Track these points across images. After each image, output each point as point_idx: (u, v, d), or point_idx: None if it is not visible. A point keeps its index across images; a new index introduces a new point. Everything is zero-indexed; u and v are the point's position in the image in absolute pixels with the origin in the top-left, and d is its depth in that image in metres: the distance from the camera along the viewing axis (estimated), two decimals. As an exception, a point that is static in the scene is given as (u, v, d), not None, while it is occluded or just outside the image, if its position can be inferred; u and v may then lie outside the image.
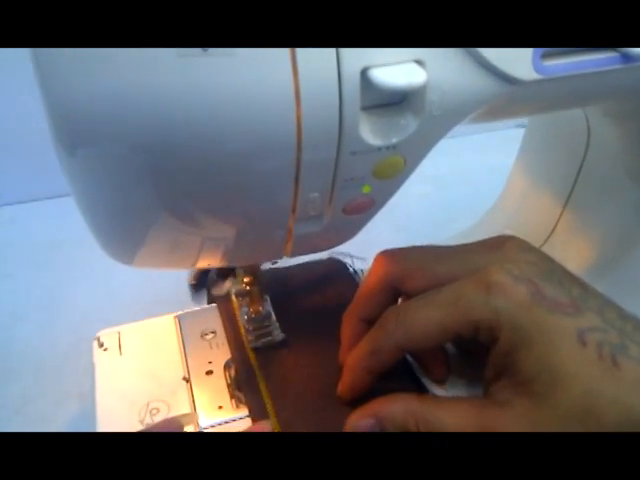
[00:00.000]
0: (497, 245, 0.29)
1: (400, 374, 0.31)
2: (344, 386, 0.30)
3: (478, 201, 0.49)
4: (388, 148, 0.22)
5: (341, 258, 0.40)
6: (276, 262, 0.46)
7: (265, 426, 0.28)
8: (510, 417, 0.25)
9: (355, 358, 0.29)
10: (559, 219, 0.39)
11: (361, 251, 0.40)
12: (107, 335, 0.34)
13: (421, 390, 0.31)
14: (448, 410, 0.26)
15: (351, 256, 0.38)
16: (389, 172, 0.24)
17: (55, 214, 0.56)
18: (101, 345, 0.34)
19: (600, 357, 0.23)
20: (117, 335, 0.34)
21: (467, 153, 0.68)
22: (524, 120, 0.74)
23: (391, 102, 0.22)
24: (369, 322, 0.30)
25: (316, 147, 0.22)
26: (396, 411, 0.27)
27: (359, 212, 0.26)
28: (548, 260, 0.28)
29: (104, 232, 0.26)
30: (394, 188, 0.26)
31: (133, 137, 0.20)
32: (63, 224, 0.55)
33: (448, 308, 0.26)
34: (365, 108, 0.21)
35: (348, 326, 0.32)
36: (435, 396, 0.28)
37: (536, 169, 0.42)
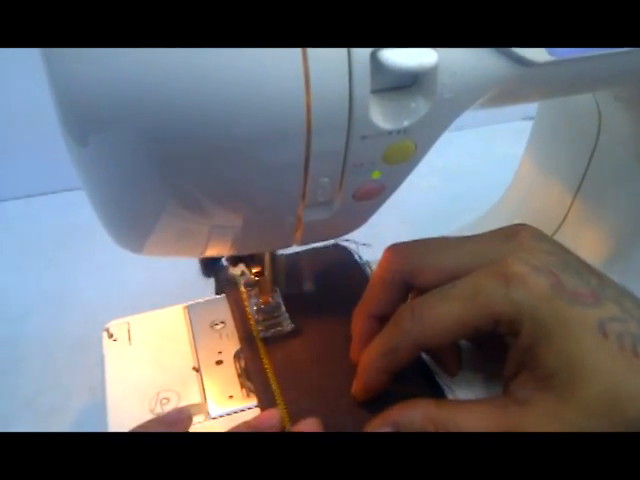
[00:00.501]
0: (511, 234, 0.28)
1: (414, 371, 0.30)
2: (359, 386, 0.29)
3: (486, 193, 0.48)
4: (399, 132, 0.22)
5: (346, 245, 0.39)
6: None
7: (273, 413, 0.28)
8: (533, 415, 0.24)
9: (370, 358, 0.28)
10: (570, 208, 0.39)
11: (369, 245, 0.39)
12: (116, 326, 0.34)
13: (435, 387, 0.31)
14: (468, 413, 0.25)
15: (356, 242, 0.38)
16: (399, 157, 0.24)
17: (63, 208, 0.57)
18: (111, 336, 0.34)
19: (621, 348, 0.23)
20: (126, 326, 0.34)
21: (474, 145, 0.68)
22: (531, 112, 0.74)
23: (402, 85, 0.22)
24: (380, 318, 0.30)
25: (326, 131, 0.21)
26: (415, 418, 0.26)
27: (369, 198, 0.26)
28: (563, 249, 0.27)
29: (114, 221, 0.26)
30: (404, 173, 0.25)
31: (141, 123, 0.20)
32: (71, 218, 0.55)
33: (467, 302, 0.25)
34: (375, 91, 0.21)
35: (359, 323, 0.31)
36: (453, 400, 0.27)
37: (546, 158, 0.42)
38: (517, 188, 0.45)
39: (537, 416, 0.24)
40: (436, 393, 0.30)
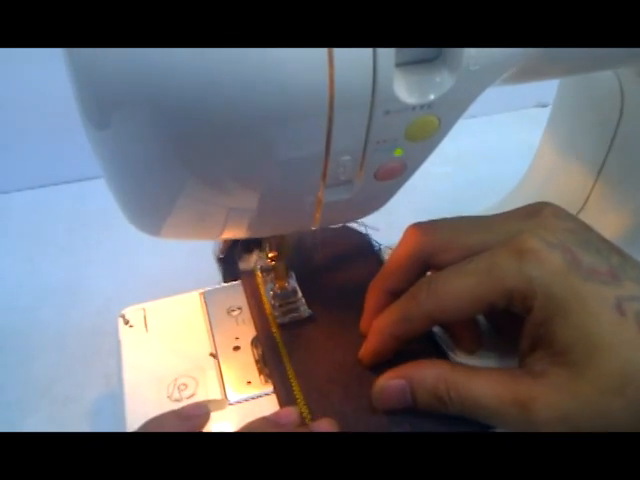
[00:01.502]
0: (533, 212, 0.28)
1: (424, 345, 0.31)
2: (367, 349, 0.30)
3: (500, 180, 0.48)
4: (422, 107, 0.22)
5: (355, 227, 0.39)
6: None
7: (292, 410, 0.27)
8: (547, 388, 0.24)
9: (383, 323, 0.29)
10: (591, 192, 0.38)
11: (382, 233, 0.39)
12: (132, 312, 0.34)
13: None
14: (482, 379, 0.25)
15: (365, 226, 0.38)
16: (422, 133, 0.23)
17: (75, 197, 0.57)
18: (126, 322, 0.34)
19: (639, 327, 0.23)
20: (142, 312, 0.34)
21: (487, 133, 0.67)
22: (545, 99, 0.73)
23: (426, 58, 0.21)
24: (395, 295, 0.30)
25: (349, 106, 0.21)
26: (428, 375, 0.26)
27: (391, 177, 0.25)
28: (586, 228, 0.27)
29: (132, 204, 0.26)
30: (426, 151, 0.25)
31: (159, 104, 0.20)
32: (83, 207, 0.55)
33: (481, 277, 0.26)
34: (400, 65, 0.21)
35: (373, 296, 0.31)
36: (468, 365, 0.27)
37: (565, 142, 0.41)
38: (535, 173, 0.44)
39: (550, 388, 0.24)
40: None
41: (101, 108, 0.20)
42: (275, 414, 0.27)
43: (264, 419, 0.26)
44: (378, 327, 0.29)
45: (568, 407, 0.23)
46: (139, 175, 0.23)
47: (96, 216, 0.52)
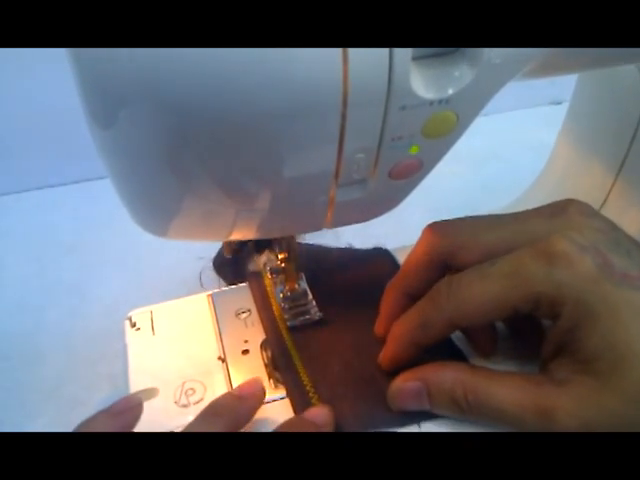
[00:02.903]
0: (558, 210, 0.26)
1: (442, 347, 0.29)
2: (386, 356, 0.29)
3: (515, 180, 0.47)
4: (440, 102, 0.21)
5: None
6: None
7: (323, 409, 0.27)
8: (570, 397, 0.23)
9: (402, 329, 0.28)
10: (610, 190, 0.37)
11: (393, 235, 0.38)
12: (139, 315, 0.33)
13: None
14: (501, 384, 0.24)
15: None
16: (440, 130, 0.22)
17: (82, 198, 0.56)
18: (133, 325, 0.33)
19: None
20: (149, 315, 0.33)
21: (501, 131, 0.66)
22: (560, 96, 0.72)
23: (445, 51, 0.21)
24: (412, 297, 0.29)
25: (363, 102, 0.20)
26: (446, 378, 0.25)
27: (405, 176, 0.24)
28: (613, 227, 0.26)
29: (138, 204, 0.25)
30: (443, 149, 0.24)
31: (164, 101, 0.19)
32: (90, 208, 0.54)
33: (506, 281, 0.24)
34: (417, 58, 0.20)
35: (390, 299, 0.30)
36: (488, 369, 0.26)
37: (584, 139, 0.40)
38: (551, 172, 0.43)
39: (574, 398, 0.23)
40: None
41: (106, 107, 0.20)
42: (309, 412, 0.27)
43: (300, 418, 0.26)
44: (397, 334, 0.28)
45: (591, 417, 0.22)
46: (145, 175, 0.22)
47: (104, 217, 0.51)
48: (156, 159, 0.21)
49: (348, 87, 0.19)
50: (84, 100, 0.20)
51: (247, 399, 0.26)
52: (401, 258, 0.36)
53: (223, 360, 0.31)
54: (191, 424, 0.25)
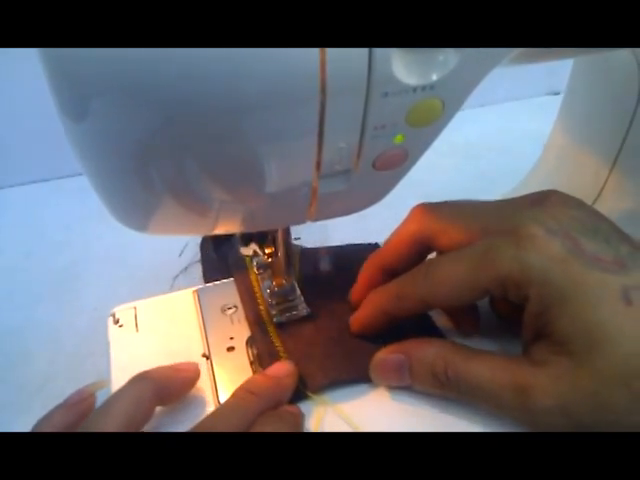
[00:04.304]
0: (539, 200, 0.26)
1: (420, 324, 0.30)
2: (357, 318, 0.30)
3: (511, 171, 0.46)
4: (424, 88, 0.20)
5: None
6: (298, 238, 0.44)
7: (285, 364, 0.28)
8: (546, 376, 0.23)
9: (377, 297, 0.29)
10: (606, 182, 0.36)
11: (390, 228, 0.37)
12: (123, 311, 0.33)
13: None
14: (481, 361, 0.25)
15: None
16: (425, 118, 0.21)
17: (71, 193, 0.55)
18: (116, 322, 0.32)
19: None
20: (133, 311, 0.33)
21: (496, 122, 0.65)
22: (556, 87, 0.71)
23: (427, 35, 0.20)
24: (390, 275, 0.29)
25: (343, 89, 0.19)
26: (428, 353, 0.26)
27: (391, 167, 0.23)
28: (597, 217, 0.26)
29: (115, 199, 0.24)
30: (429, 138, 0.23)
31: (137, 89, 0.18)
32: (79, 203, 0.54)
33: (474, 262, 0.25)
34: (398, 42, 0.19)
35: (368, 271, 0.31)
36: (470, 347, 0.26)
37: (579, 130, 0.39)
38: (546, 163, 0.42)
39: (550, 377, 0.23)
40: None
41: (76, 99, 0.19)
42: (270, 368, 0.28)
43: (263, 374, 0.27)
44: (371, 299, 0.29)
45: (567, 397, 0.22)
46: (119, 168, 0.22)
47: (93, 212, 0.50)
48: (131, 152, 0.20)
49: (326, 74, 0.18)
50: (53, 92, 0.19)
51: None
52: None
53: (207, 357, 0.30)
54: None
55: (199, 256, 0.43)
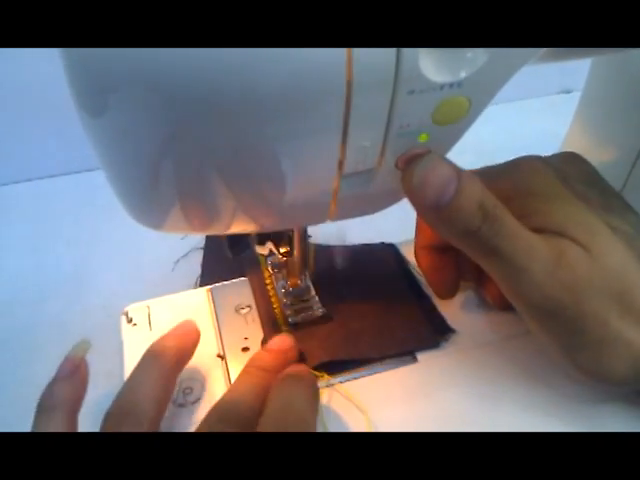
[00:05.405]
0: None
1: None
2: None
3: (525, 170, 0.45)
4: (452, 86, 0.19)
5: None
6: (310, 237, 0.43)
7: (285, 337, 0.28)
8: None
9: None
10: (627, 180, 0.35)
11: (402, 229, 0.37)
12: (136, 310, 0.32)
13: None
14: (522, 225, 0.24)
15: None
16: (451, 116, 0.21)
17: (81, 188, 0.55)
18: (130, 320, 0.32)
19: (630, 247, 0.24)
20: (147, 310, 0.32)
21: (509, 120, 0.64)
22: (568, 85, 0.70)
23: (456, 31, 0.19)
24: (438, 249, 0.30)
25: (369, 86, 0.18)
26: (481, 184, 0.23)
27: (414, 167, 0.23)
28: (603, 184, 0.28)
29: (132, 196, 0.24)
30: (454, 137, 0.22)
31: (157, 85, 0.18)
32: (89, 198, 0.53)
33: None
34: (426, 38, 0.18)
35: (419, 257, 0.32)
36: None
37: (597, 129, 0.38)
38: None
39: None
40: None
41: (95, 93, 0.18)
42: (271, 343, 0.28)
43: (268, 350, 0.27)
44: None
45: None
46: (137, 165, 0.21)
47: (104, 208, 0.50)
48: (149, 150, 0.20)
49: (352, 69, 0.18)
50: (72, 86, 0.19)
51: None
52: (407, 252, 0.35)
53: (222, 357, 0.30)
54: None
55: (202, 244, 0.43)
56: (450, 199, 0.22)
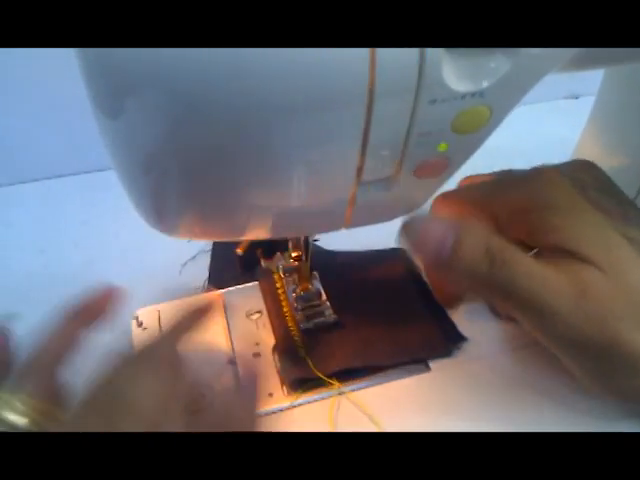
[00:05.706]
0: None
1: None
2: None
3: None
4: (473, 95, 0.19)
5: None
6: (316, 240, 0.43)
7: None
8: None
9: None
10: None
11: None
12: (146, 313, 0.32)
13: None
14: (534, 260, 0.23)
15: None
16: (471, 125, 0.20)
17: (88, 189, 0.55)
18: (140, 324, 0.32)
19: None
20: (157, 314, 0.32)
21: (519, 125, 0.63)
22: (576, 90, 0.70)
23: (479, 40, 0.19)
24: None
25: (391, 94, 0.18)
26: (480, 228, 0.24)
27: (431, 175, 0.23)
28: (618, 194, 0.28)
29: (146, 200, 0.24)
30: (473, 146, 0.22)
31: (174, 89, 0.17)
32: (96, 199, 0.53)
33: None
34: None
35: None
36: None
37: (611, 135, 0.38)
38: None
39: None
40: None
41: (113, 95, 0.18)
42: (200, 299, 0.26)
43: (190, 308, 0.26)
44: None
45: None
46: (153, 170, 0.21)
47: (112, 208, 0.50)
48: (164, 155, 0.20)
49: (375, 77, 0.18)
50: (89, 88, 0.18)
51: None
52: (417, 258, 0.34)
53: (233, 363, 0.29)
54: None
55: (210, 247, 0.43)
56: (450, 252, 0.23)
